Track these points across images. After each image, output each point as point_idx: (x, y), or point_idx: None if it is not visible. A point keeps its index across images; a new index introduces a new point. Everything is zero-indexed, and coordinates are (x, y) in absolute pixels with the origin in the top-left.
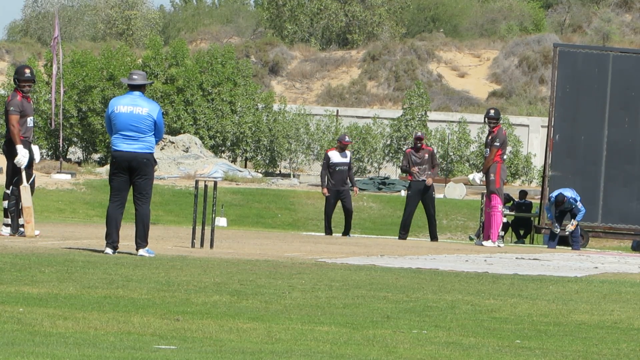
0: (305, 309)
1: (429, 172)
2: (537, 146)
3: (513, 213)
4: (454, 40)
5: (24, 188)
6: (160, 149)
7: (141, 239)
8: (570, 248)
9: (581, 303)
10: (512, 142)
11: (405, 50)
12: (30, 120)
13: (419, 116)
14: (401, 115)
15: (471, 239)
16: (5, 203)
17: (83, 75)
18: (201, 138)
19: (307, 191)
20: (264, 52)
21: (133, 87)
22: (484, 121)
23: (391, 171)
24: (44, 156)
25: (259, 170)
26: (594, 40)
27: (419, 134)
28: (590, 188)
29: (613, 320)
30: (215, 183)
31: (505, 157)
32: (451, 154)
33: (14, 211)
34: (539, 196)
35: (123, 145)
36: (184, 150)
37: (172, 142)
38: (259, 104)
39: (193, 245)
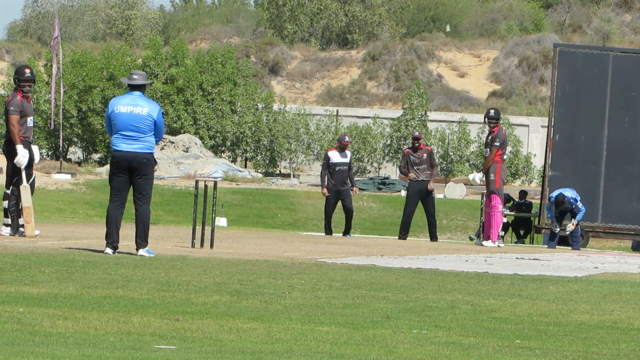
0: (305, 309)
1: (428, 172)
2: (537, 146)
3: (513, 213)
4: (454, 40)
5: (24, 188)
6: (160, 149)
7: (141, 239)
8: (570, 248)
9: (581, 303)
10: (512, 142)
11: (405, 50)
12: (30, 120)
13: (419, 116)
14: (401, 115)
15: (471, 239)
16: (5, 203)
17: (83, 75)
18: (201, 138)
19: (307, 191)
20: (264, 52)
21: (133, 87)
22: (484, 121)
23: (391, 171)
24: (44, 156)
25: (259, 170)
26: (594, 40)
27: (416, 133)
28: (590, 188)
29: (613, 320)
30: (215, 183)
31: (505, 157)
32: (451, 154)
33: (14, 211)
34: (539, 196)
35: (123, 145)
36: (184, 150)
37: (172, 142)
38: (259, 104)
39: (193, 245)
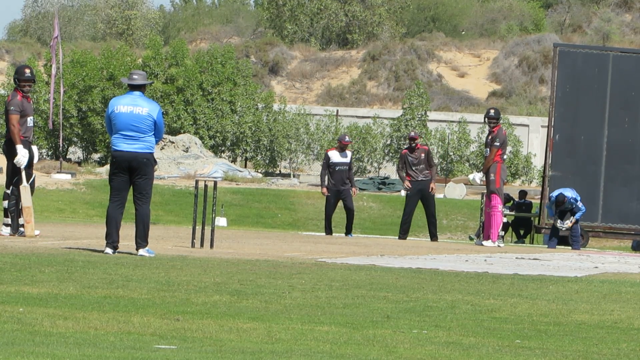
0: (305, 309)
1: (427, 172)
2: (537, 146)
3: (513, 213)
4: (454, 40)
5: (24, 188)
6: (160, 149)
7: (141, 239)
8: (570, 248)
9: (581, 303)
10: (512, 142)
11: (405, 50)
12: (30, 120)
13: (419, 116)
14: (401, 115)
15: (471, 239)
16: (5, 203)
17: (83, 75)
18: (201, 138)
19: (307, 191)
20: (264, 52)
21: (133, 87)
22: (484, 121)
23: (391, 171)
24: (44, 156)
25: (259, 170)
26: (594, 40)
27: (412, 133)
28: (590, 188)
29: (613, 320)
30: (215, 183)
31: (505, 157)
32: (451, 154)
33: (14, 211)
34: (539, 196)
35: (123, 145)
36: (184, 150)
37: (172, 142)
38: (259, 104)
39: (193, 245)
